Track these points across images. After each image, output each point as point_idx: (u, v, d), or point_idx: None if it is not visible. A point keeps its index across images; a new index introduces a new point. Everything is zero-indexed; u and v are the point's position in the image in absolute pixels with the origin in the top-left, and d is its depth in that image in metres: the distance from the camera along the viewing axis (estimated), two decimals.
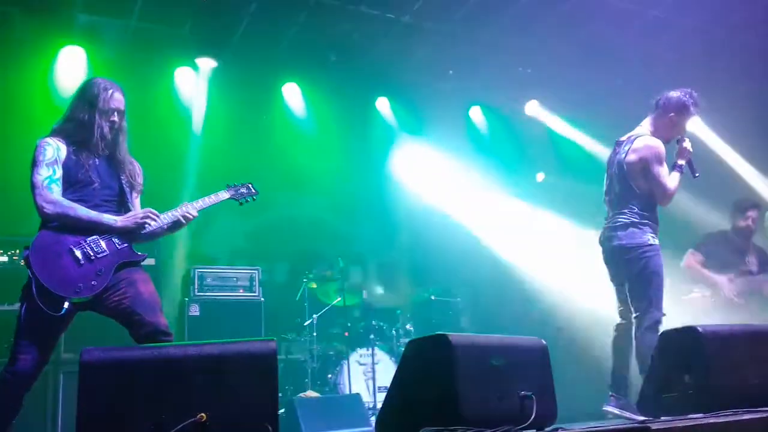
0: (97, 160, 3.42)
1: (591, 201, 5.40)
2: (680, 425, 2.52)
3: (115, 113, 3.44)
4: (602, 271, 4.60)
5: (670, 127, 4.45)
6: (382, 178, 8.01)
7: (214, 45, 6.64)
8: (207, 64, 6.85)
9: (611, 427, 2.76)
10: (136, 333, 3.20)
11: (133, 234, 3.37)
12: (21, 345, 3.15)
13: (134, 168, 3.57)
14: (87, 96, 3.43)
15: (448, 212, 8.22)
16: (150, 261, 4.84)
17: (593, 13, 6.48)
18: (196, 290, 6.02)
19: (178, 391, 2.22)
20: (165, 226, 3.48)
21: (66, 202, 3.24)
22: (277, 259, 7.36)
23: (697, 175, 4.38)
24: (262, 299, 6.21)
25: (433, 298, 7.10)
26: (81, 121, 3.39)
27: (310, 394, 5.62)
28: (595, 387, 6.51)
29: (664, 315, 4.17)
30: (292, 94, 7.56)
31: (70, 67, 6.22)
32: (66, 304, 3.11)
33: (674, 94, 4.47)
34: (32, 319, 3.14)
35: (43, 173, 3.25)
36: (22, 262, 3.18)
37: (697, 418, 2.68)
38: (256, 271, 6.32)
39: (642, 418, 4.14)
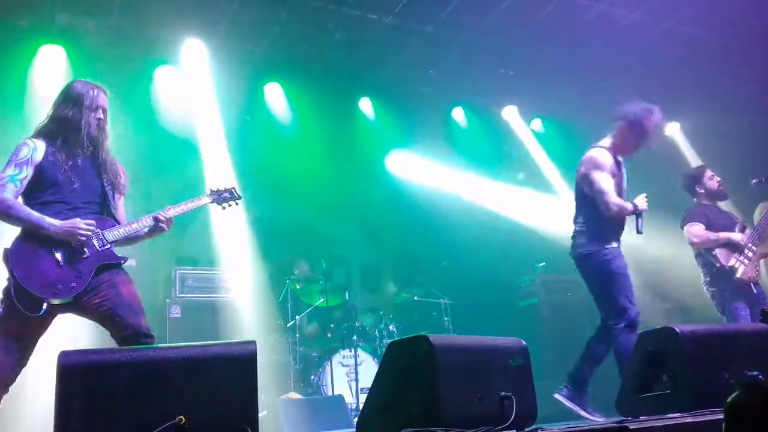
0: (79, 160, 3.37)
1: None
2: (658, 425, 2.55)
3: (101, 111, 3.42)
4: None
5: (629, 140, 4.50)
6: (365, 179, 8.02)
7: (195, 44, 6.60)
8: (189, 63, 6.81)
9: (590, 426, 2.79)
10: (117, 335, 3.17)
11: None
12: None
13: (117, 169, 3.51)
14: (72, 95, 3.39)
15: (431, 213, 8.24)
16: (131, 262, 4.79)
17: (574, 16, 6.54)
18: (177, 291, 5.99)
19: (158, 394, 2.21)
20: (144, 230, 3.45)
21: (10, 202, 3.16)
22: (259, 260, 7.33)
23: (640, 232, 4.36)
24: (245, 300, 6.18)
25: (416, 298, 7.11)
26: (66, 119, 3.35)
27: (293, 395, 5.60)
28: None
29: (637, 312, 4.20)
30: (274, 94, 7.54)
31: (49, 66, 6.15)
32: (45, 305, 3.07)
33: (631, 108, 4.49)
34: (9, 320, 3.10)
35: (7, 171, 3.22)
36: (1, 261, 3.14)
37: (675, 418, 2.71)
38: (238, 272, 6.29)
39: (585, 414, 4.22)
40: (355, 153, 8.02)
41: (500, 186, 8.44)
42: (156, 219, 3.44)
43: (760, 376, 3.02)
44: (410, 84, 7.66)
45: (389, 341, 5.31)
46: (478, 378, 2.69)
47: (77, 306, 3.20)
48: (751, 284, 5.02)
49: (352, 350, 6.09)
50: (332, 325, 6.54)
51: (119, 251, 3.40)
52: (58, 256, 3.16)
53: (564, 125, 8.39)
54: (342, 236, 7.91)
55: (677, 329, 3.07)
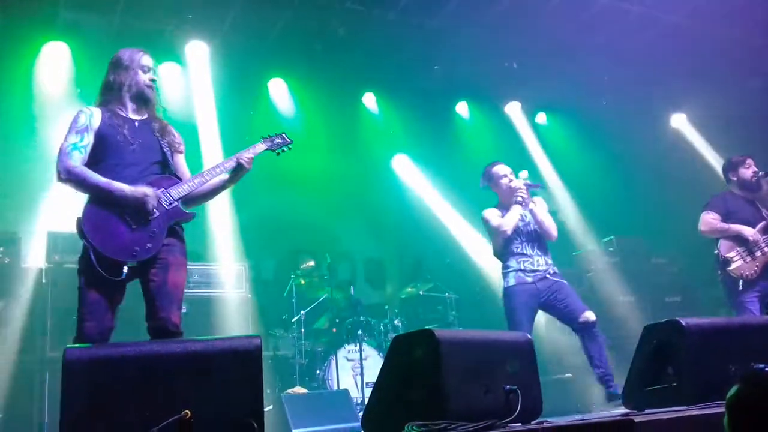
0: (135, 122, 3.38)
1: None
2: (664, 417, 2.54)
3: (150, 71, 3.45)
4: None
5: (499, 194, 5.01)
6: (369, 174, 8.01)
7: (199, 40, 6.60)
8: (192, 59, 6.81)
9: (595, 420, 2.78)
10: (147, 320, 3.19)
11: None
12: (85, 314, 3.11)
13: (171, 128, 3.53)
14: (116, 61, 3.42)
15: (436, 208, 8.24)
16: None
17: (580, 9, 6.52)
18: None
19: (163, 389, 2.21)
20: (221, 180, 3.47)
21: (78, 169, 3.17)
22: (264, 255, 7.34)
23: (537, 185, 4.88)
24: (250, 296, 6.20)
25: (421, 293, 7.11)
26: (113, 83, 3.38)
27: (298, 390, 5.61)
28: (582, 382, 6.59)
29: None
30: (278, 90, 7.54)
31: (53, 62, 6.17)
32: (125, 269, 3.10)
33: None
34: (92, 289, 3.11)
35: (69, 139, 3.22)
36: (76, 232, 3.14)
37: (680, 410, 2.70)
38: (243, 268, 6.30)
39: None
40: (359, 148, 8.01)
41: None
42: (244, 162, 3.45)
43: (765, 369, 3.01)
44: (414, 79, 7.65)
45: (394, 335, 5.32)
46: (484, 372, 2.69)
47: (143, 270, 3.20)
48: (740, 282, 4.90)
49: (357, 345, 6.10)
50: (337, 320, 6.54)
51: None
52: (129, 218, 3.16)
53: (568, 118, 8.37)
54: (346, 231, 7.92)
55: (683, 322, 3.05)
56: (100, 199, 3.16)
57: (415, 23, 6.68)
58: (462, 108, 8.44)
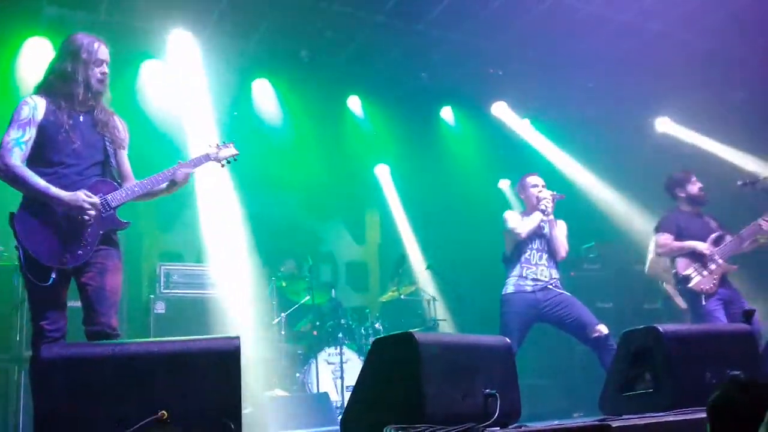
0: (81, 117, 3.33)
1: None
2: (641, 423, 2.57)
3: (104, 65, 3.37)
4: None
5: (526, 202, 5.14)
6: (352, 177, 8.01)
7: (184, 38, 6.55)
8: (176, 57, 6.76)
9: (573, 424, 2.80)
10: (86, 324, 3.18)
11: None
12: (37, 312, 3.14)
13: (115, 123, 3.47)
14: (71, 49, 3.33)
15: (419, 211, 8.25)
16: None
17: (565, 17, 6.57)
18: (162, 287, 5.94)
19: (140, 388, 2.19)
20: (164, 183, 3.45)
21: (18, 169, 3.14)
22: (245, 256, 7.30)
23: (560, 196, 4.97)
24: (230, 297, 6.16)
25: (402, 297, 7.11)
26: (65, 73, 3.30)
27: (278, 392, 5.59)
28: (561, 386, 6.63)
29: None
30: (263, 91, 7.51)
31: (35, 58, 6.09)
32: (53, 275, 3.08)
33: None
34: (29, 288, 3.14)
35: (12, 134, 3.18)
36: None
37: (657, 416, 2.73)
38: (224, 269, 6.26)
39: None
40: (343, 151, 8.00)
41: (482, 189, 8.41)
42: (173, 176, 3.45)
43: (741, 377, 3.05)
44: (400, 83, 7.65)
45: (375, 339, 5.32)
46: (463, 375, 2.70)
47: (76, 276, 3.20)
48: (702, 296, 5.03)
49: (338, 348, 6.08)
50: (318, 323, 6.53)
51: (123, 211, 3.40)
52: (63, 224, 3.15)
53: (552, 125, 8.42)
54: (329, 234, 7.90)
55: (660, 329, 3.09)
56: (36, 200, 3.14)
57: (402, 27, 6.69)
58: (447, 113, 8.46)
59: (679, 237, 5.24)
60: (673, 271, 5.24)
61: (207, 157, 3.66)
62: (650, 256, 5.66)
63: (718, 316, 5.01)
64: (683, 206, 5.42)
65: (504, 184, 8.81)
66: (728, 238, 5.19)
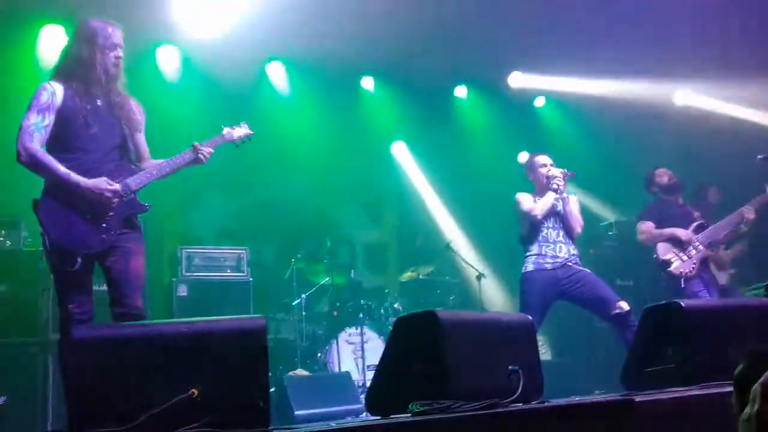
0: (98, 101, 3.35)
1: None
2: (663, 398, 2.58)
3: (118, 49, 3.39)
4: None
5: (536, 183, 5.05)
6: (369, 158, 8.00)
7: (193, 21, 6.53)
8: (190, 41, 6.77)
9: (595, 400, 2.82)
10: (112, 306, 3.24)
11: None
12: (64, 296, 3.21)
13: (131, 105, 3.49)
14: (86, 34, 3.35)
15: (436, 192, 8.25)
16: None
17: None
18: (183, 270, 6.02)
19: (169, 368, 2.23)
20: (184, 165, 3.50)
21: (40, 154, 3.18)
22: (264, 239, 7.36)
23: (571, 173, 4.89)
24: (251, 279, 6.23)
25: (421, 277, 7.14)
26: (81, 58, 3.32)
27: (300, 372, 5.65)
28: (582, 364, 6.65)
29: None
30: (277, 73, 7.50)
31: (52, 46, 6.12)
32: (79, 260, 3.14)
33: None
34: (55, 273, 3.21)
35: (31, 119, 3.21)
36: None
37: (679, 391, 2.74)
38: (244, 252, 6.32)
39: None
40: (357, 132, 7.98)
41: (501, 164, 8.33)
42: (196, 151, 3.49)
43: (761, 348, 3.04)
44: (413, 62, 7.59)
45: (395, 319, 5.35)
46: (486, 352, 2.72)
47: (102, 257, 3.26)
48: (681, 279, 5.25)
49: (358, 328, 6.14)
50: (338, 304, 6.57)
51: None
52: (85, 210, 3.19)
53: (568, 101, 8.34)
54: (346, 215, 7.93)
55: (683, 304, 3.08)
56: (57, 186, 3.18)
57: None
58: (461, 91, 8.41)
59: (660, 225, 5.52)
60: (654, 255, 5.48)
61: (222, 138, 3.70)
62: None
63: (704, 296, 5.16)
64: (662, 197, 5.72)
65: (523, 158, 8.73)
66: (710, 226, 5.44)
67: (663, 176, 5.71)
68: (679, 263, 5.33)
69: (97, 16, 3.49)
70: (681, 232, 5.41)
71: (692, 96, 7.95)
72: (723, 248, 5.87)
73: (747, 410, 1.35)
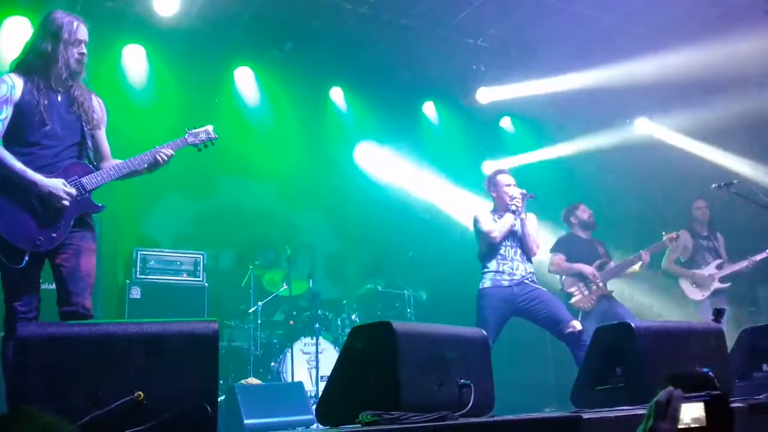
0: (58, 96, 3.29)
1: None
2: (611, 416, 2.62)
3: (83, 45, 3.33)
4: None
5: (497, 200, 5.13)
6: (332, 168, 8.00)
7: (164, 23, 6.48)
8: (158, 42, 6.70)
9: (543, 416, 2.84)
10: (60, 305, 3.18)
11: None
12: (9, 292, 3.13)
13: (91, 103, 3.43)
14: (51, 29, 3.29)
15: (398, 203, 8.27)
16: None
17: (549, 17, 6.62)
18: (138, 273, 5.92)
19: (116, 369, 2.18)
20: (143, 166, 3.44)
21: None
22: (222, 245, 7.28)
23: (530, 195, 5.01)
24: (206, 284, 6.15)
25: (379, 289, 7.13)
26: (45, 52, 3.26)
27: (252, 381, 5.58)
28: (533, 382, 6.71)
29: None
30: (245, 78, 7.47)
31: (14, 38, 6.00)
32: (26, 257, 3.07)
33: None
34: (1, 269, 3.12)
35: None
36: None
37: (627, 409, 2.78)
38: (200, 256, 6.25)
39: None
40: (323, 141, 7.99)
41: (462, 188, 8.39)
42: (160, 157, 3.44)
43: (709, 373, 3.12)
44: (383, 76, 7.66)
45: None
46: (439, 365, 2.72)
47: (51, 258, 3.19)
48: (579, 313, 5.63)
49: (314, 338, 6.09)
50: (294, 313, 6.52)
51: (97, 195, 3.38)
52: (38, 207, 3.13)
53: (533, 124, 8.48)
54: (307, 224, 7.89)
55: (633, 325, 3.14)
56: (11, 182, 3.12)
57: (387, 20, 6.69)
58: (429, 108, 8.48)
59: (569, 258, 5.87)
60: (560, 287, 5.88)
61: (184, 141, 3.65)
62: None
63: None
64: (576, 231, 6.08)
65: (487, 170, 8.82)
66: (611, 264, 5.89)
67: (585, 213, 6.08)
68: (580, 297, 5.73)
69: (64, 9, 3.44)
70: (587, 270, 5.77)
71: (650, 125, 8.14)
72: (717, 265, 6.32)
73: (641, 426, 1.39)
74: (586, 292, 5.74)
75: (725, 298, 6.27)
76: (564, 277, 5.90)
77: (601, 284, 5.74)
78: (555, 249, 6.02)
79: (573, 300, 5.74)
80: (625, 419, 2.59)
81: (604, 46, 6.94)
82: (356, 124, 8.14)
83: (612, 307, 5.65)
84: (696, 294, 6.30)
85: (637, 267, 5.87)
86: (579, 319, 5.45)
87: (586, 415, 2.55)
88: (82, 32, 3.34)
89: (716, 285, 6.24)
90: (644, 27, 6.80)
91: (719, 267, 6.31)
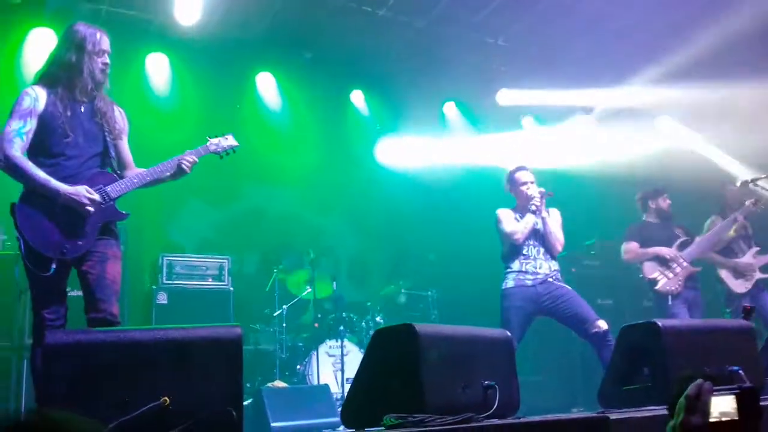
0: (81, 107, 3.35)
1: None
2: (638, 416, 2.59)
3: (106, 55, 3.39)
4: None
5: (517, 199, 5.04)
6: (354, 171, 8.02)
7: (186, 32, 6.56)
8: (180, 51, 6.78)
9: (570, 417, 2.82)
10: (88, 312, 3.22)
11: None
12: (38, 300, 3.18)
13: (114, 113, 3.48)
14: (74, 40, 3.34)
15: (420, 205, 8.25)
16: None
17: (567, 12, 6.57)
18: (164, 278, 5.98)
19: (142, 375, 2.21)
20: (166, 174, 3.49)
21: (19, 160, 3.17)
22: (247, 249, 7.33)
23: (549, 193, 4.86)
24: (232, 289, 6.20)
25: (403, 291, 7.13)
26: (69, 63, 3.32)
27: (278, 384, 5.61)
28: (560, 382, 6.65)
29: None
30: (266, 84, 7.53)
31: (40, 49, 6.10)
32: (53, 265, 3.12)
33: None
34: (30, 278, 3.17)
35: (13, 125, 3.20)
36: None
37: (654, 410, 2.75)
38: (225, 261, 6.30)
39: None
40: (345, 144, 8.02)
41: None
42: (179, 160, 3.48)
43: (739, 372, 3.07)
44: (402, 77, 7.66)
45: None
46: (463, 366, 2.71)
47: (77, 266, 3.24)
48: (669, 297, 5.35)
49: (339, 341, 6.11)
50: (319, 316, 6.55)
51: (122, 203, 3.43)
52: (62, 214, 3.18)
53: (555, 123, 8.41)
54: (330, 227, 7.92)
55: (660, 323, 3.10)
56: (36, 192, 3.17)
57: (405, 22, 6.70)
58: (449, 108, 8.46)
59: (644, 245, 5.60)
60: (641, 275, 5.58)
61: (206, 149, 3.69)
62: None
63: (681, 315, 5.26)
64: (650, 218, 5.82)
65: (507, 168, 8.74)
66: (696, 239, 5.53)
67: (666, 201, 5.80)
68: (665, 281, 5.41)
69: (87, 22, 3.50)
70: (665, 251, 5.49)
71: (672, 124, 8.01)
72: (755, 253, 5.77)
73: (671, 422, 1.38)
74: (671, 275, 5.43)
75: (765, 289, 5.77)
76: (643, 264, 5.57)
77: (685, 264, 5.42)
78: (627, 238, 5.73)
79: (658, 286, 5.42)
80: (653, 419, 2.55)
81: (624, 40, 6.83)
82: (377, 126, 8.14)
83: (699, 302, 5.42)
84: (740, 286, 5.63)
85: (732, 231, 5.50)
86: (669, 302, 5.31)
87: (613, 416, 2.52)
88: (105, 43, 3.40)
89: (758, 275, 5.65)
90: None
91: (755, 255, 5.73)
